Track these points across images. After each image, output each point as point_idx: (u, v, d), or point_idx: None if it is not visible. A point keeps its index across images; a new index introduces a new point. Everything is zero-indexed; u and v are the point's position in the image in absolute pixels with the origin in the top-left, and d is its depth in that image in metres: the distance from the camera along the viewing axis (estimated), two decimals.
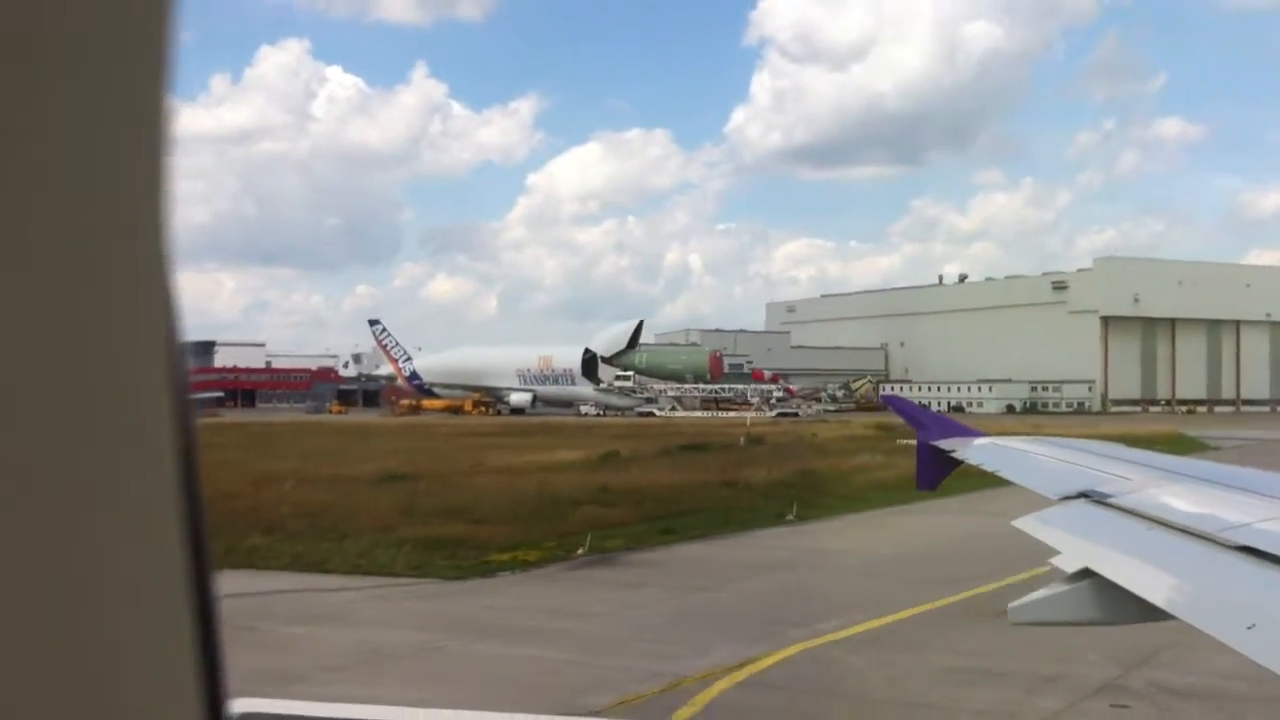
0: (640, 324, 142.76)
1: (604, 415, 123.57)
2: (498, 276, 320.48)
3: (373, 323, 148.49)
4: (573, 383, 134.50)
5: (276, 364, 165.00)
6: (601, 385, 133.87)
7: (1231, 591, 4.47)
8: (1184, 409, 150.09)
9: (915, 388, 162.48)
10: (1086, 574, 5.09)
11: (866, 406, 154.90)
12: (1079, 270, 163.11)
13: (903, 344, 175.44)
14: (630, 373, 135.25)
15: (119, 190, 0.95)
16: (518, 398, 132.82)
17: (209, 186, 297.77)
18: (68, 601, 0.89)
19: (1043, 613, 5.33)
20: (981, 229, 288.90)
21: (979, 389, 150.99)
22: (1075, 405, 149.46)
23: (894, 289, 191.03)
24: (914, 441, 45.54)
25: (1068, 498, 6.62)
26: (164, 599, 0.97)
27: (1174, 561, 4.98)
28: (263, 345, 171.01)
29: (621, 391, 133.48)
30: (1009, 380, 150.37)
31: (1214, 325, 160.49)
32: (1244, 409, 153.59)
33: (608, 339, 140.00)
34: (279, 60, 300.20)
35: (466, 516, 28.05)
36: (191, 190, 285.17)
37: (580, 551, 24.34)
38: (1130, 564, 5.14)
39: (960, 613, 18.30)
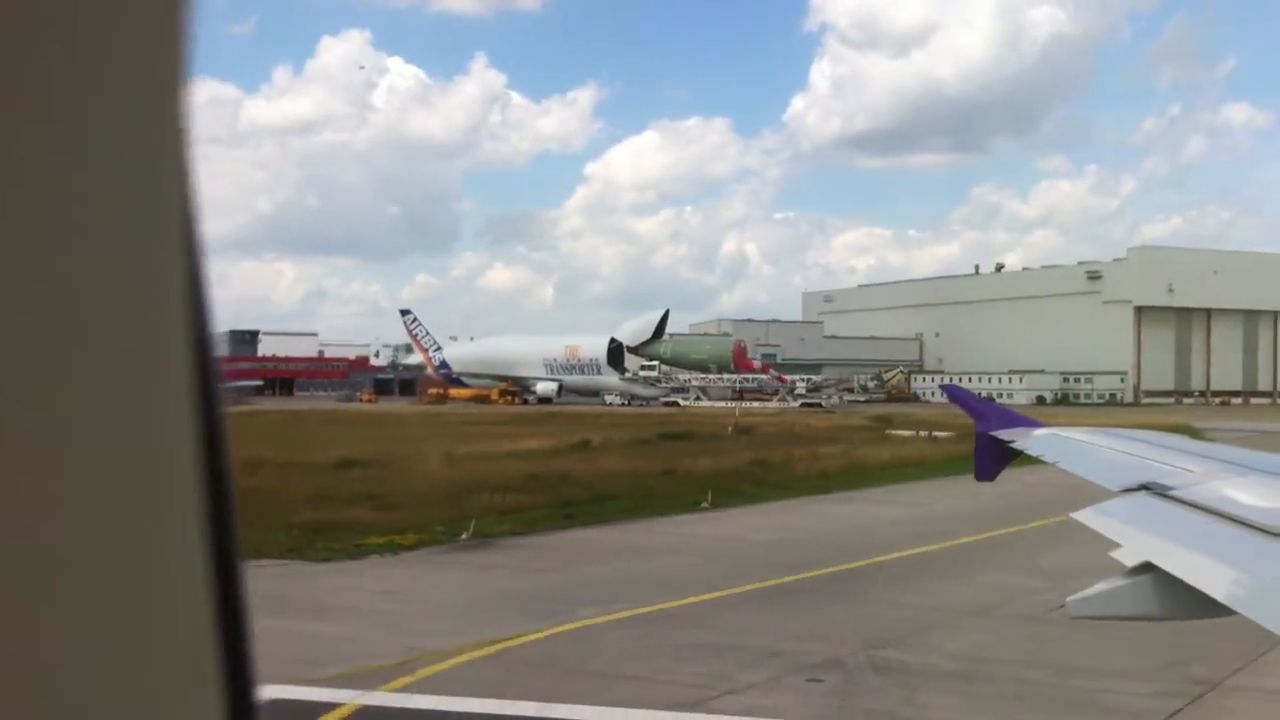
0: (666, 314, 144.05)
1: (629, 405, 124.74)
2: (555, 266, 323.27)
3: (404, 313, 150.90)
4: (599, 372, 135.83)
5: (330, 353, 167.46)
6: (627, 375, 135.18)
7: None
8: (1218, 400, 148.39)
9: (947, 378, 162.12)
10: (1148, 568, 5.01)
11: (898, 397, 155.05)
12: (1115, 260, 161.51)
13: (938, 334, 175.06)
14: (655, 362, 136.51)
15: (141, 179, 0.95)
16: (544, 387, 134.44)
17: (270, 177, 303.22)
18: (97, 592, 0.90)
19: (1102, 607, 5.20)
20: (1044, 216, 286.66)
21: (1010, 380, 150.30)
22: (1107, 396, 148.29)
23: (930, 279, 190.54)
24: (905, 433, 47.39)
25: (1128, 490, 6.53)
26: (190, 588, 0.98)
27: (1236, 556, 4.88)
28: (315, 335, 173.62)
29: (646, 381, 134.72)
30: (1040, 371, 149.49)
31: (1250, 315, 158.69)
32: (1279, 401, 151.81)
33: (633, 329, 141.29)
34: (340, 51, 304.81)
35: (379, 501, 29.21)
36: (253, 180, 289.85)
37: (464, 536, 25.36)
38: (1192, 558, 5.02)
39: (760, 596, 19.20)
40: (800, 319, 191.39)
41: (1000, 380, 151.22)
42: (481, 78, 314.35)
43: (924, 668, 14.52)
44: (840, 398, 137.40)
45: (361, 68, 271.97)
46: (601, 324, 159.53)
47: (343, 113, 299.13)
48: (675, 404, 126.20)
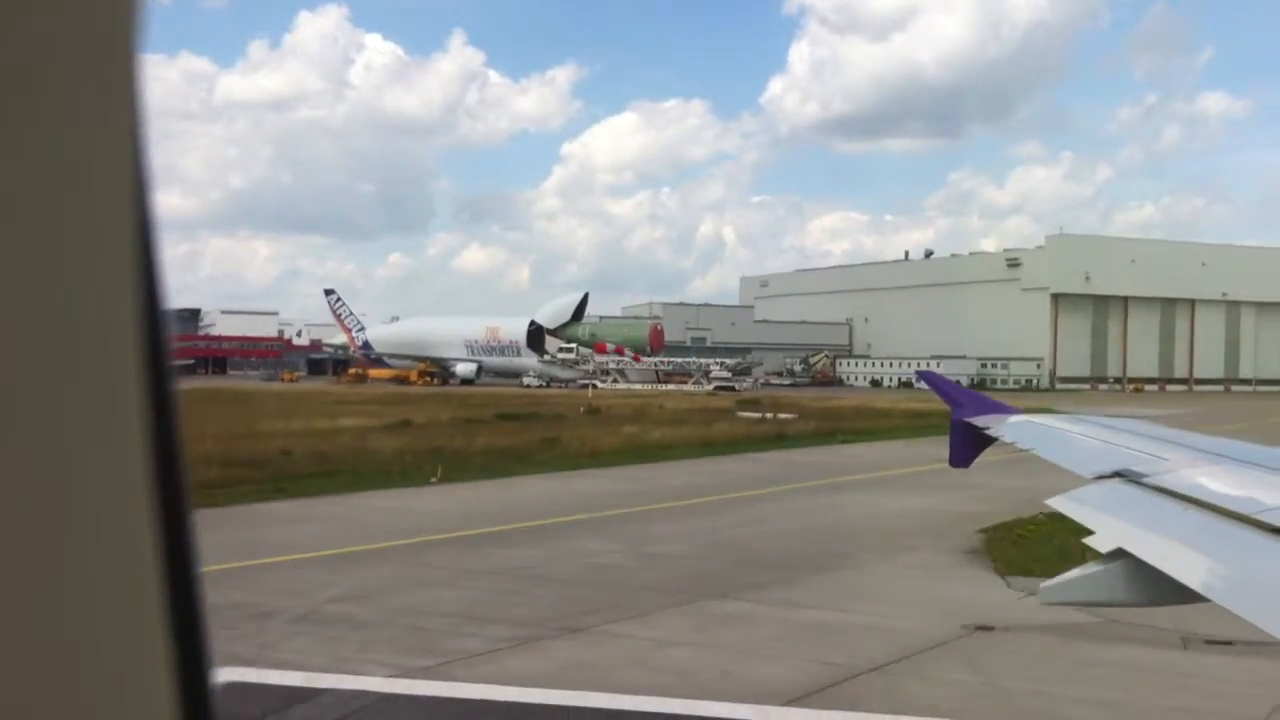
0: (585, 296, 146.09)
1: (547, 387, 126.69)
2: (530, 247, 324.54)
3: (328, 292, 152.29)
4: (518, 354, 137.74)
5: (289, 333, 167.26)
6: (545, 357, 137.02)
7: (1268, 574, 4.41)
8: (1132, 387, 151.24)
9: (872, 363, 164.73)
10: (1120, 554, 5.00)
11: (822, 381, 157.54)
12: (1035, 248, 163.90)
13: (867, 320, 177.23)
14: (573, 345, 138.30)
15: (89, 159, 0.92)
16: (463, 368, 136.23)
17: (244, 153, 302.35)
18: (48, 579, 0.90)
19: (1075, 593, 5.28)
20: (1019, 203, 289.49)
21: (928, 365, 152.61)
22: (1024, 382, 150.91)
23: (861, 265, 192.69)
24: (754, 415, 49.87)
25: (1102, 477, 6.55)
26: (141, 573, 0.97)
27: (1209, 543, 4.88)
28: (275, 314, 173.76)
29: (564, 363, 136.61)
30: (963, 357, 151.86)
31: (1168, 304, 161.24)
32: (1197, 388, 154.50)
33: (552, 311, 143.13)
34: (317, 26, 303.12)
35: None
36: (227, 157, 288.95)
37: None
38: (1164, 545, 5.05)
39: (328, 561, 20.98)
40: (738, 303, 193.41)
41: (920, 365, 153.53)
42: (460, 55, 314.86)
43: (350, 618, 16.41)
44: (756, 381, 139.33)
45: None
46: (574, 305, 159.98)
47: (319, 89, 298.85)
48: (593, 386, 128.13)
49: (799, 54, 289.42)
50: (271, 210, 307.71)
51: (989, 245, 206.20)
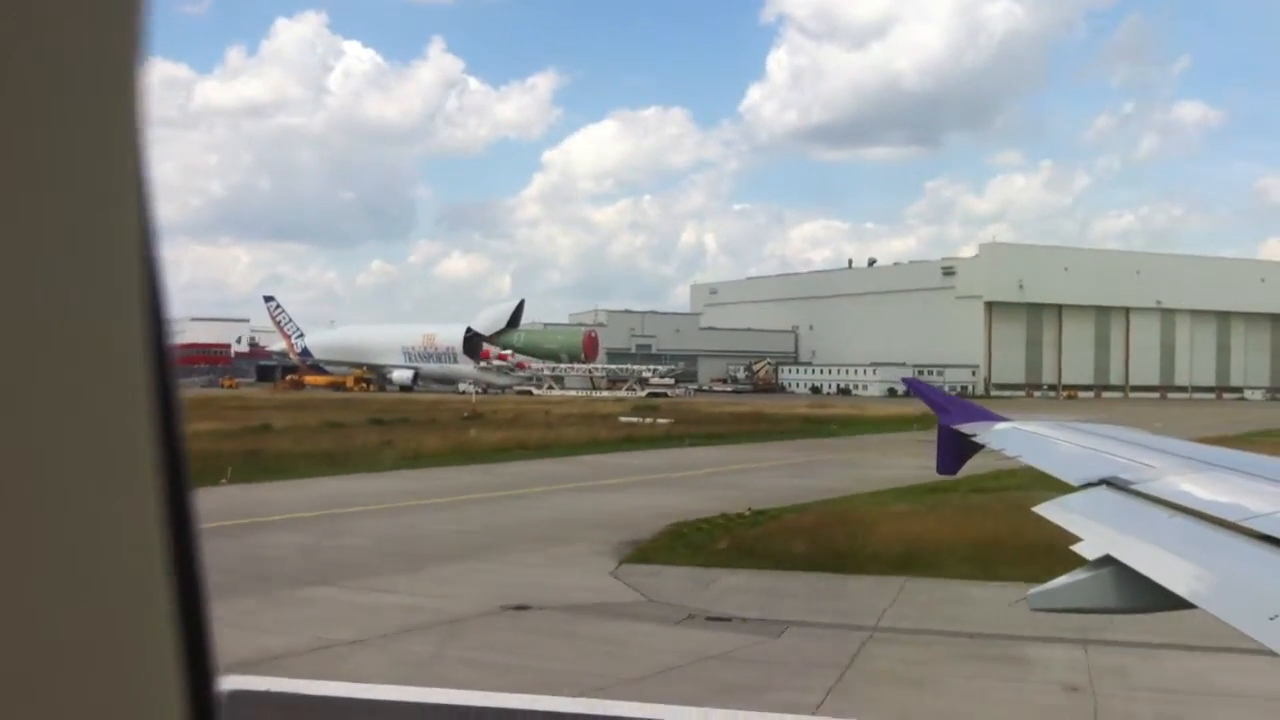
0: (521, 303, 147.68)
1: (484, 393, 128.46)
2: (512, 254, 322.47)
3: (267, 299, 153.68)
4: (455, 361, 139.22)
5: (263, 339, 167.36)
6: (482, 364, 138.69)
7: (1254, 581, 4.43)
8: (1066, 394, 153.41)
9: (812, 370, 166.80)
10: (1108, 561, 5.05)
11: (764, 388, 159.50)
12: (971, 257, 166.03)
13: (811, 327, 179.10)
14: (510, 351, 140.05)
15: (92, 167, 0.92)
16: (399, 375, 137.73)
17: (224, 160, 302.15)
18: (52, 583, 0.89)
19: (1063, 599, 5.29)
20: (998, 211, 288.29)
21: (864, 372, 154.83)
22: (959, 389, 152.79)
23: (807, 273, 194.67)
24: (635, 419, 51.97)
25: (1090, 484, 6.60)
26: (148, 579, 0.97)
27: (1196, 550, 4.94)
28: (246, 321, 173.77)
29: (501, 370, 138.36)
30: (896, 364, 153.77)
31: (1103, 311, 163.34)
32: (1132, 395, 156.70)
33: (489, 318, 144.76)
34: (295, 33, 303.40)
35: None
36: (206, 164, 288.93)
37: None
38: (1152, 552, 5.11)
39: None
40: (688, 310, 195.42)
41: (857, 372, 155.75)
42: (439, 63, 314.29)
43: None
44: (690, 388, 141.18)
45: None
46: (556, 313, 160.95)
47: (297, 96, 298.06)
48: (529, 392, 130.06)
49: (777, 62, 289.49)
50: (252, 217, 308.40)
51: (968, 253, 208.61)
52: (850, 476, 39.45)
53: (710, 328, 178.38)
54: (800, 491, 34.24)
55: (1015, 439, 9.78)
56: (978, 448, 10.35)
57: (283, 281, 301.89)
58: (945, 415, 11.49)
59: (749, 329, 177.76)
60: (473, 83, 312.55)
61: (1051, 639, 16.28)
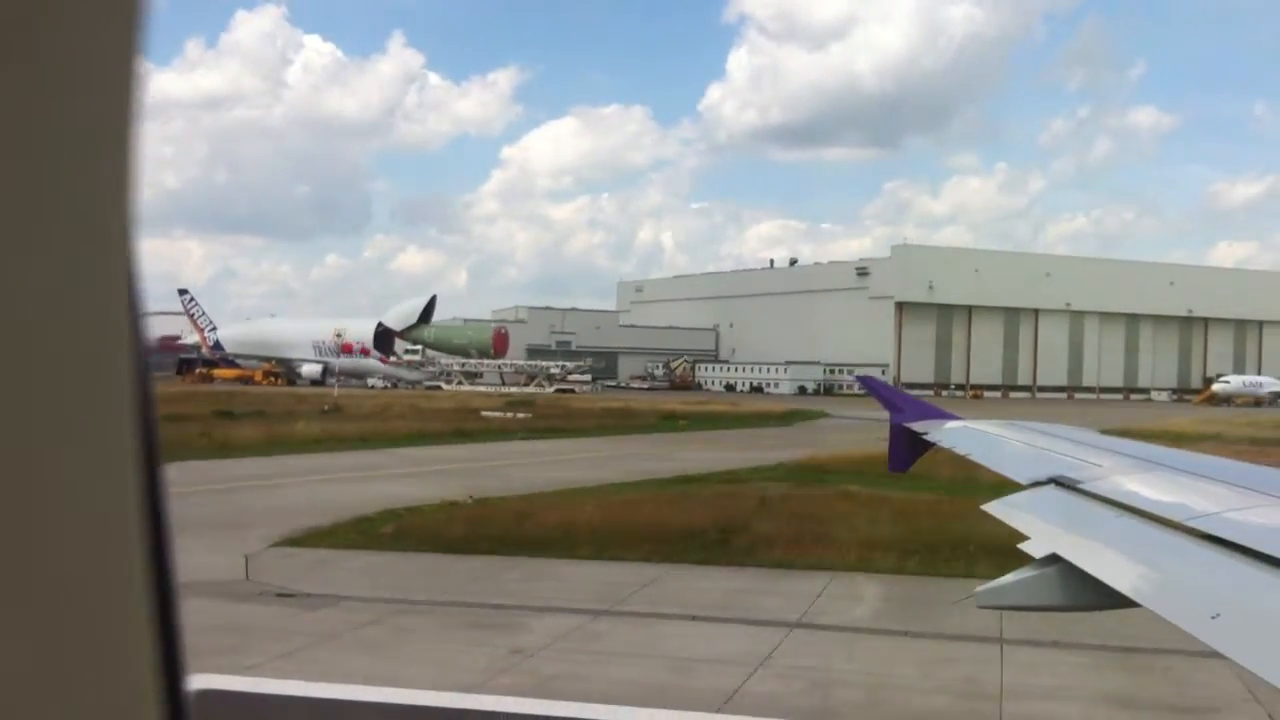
0: (433, 299, 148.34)
1: (395, 388, 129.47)
2: (469, 250, 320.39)
3: (181, 292, 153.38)
4: (366, 356, 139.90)
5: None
6: (392, 359, 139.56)
7: (1198, 581, 4.48)
8: (972, 394, 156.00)
9: (727, 368, 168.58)
10: (1055, 559, 5.11)
11: (681, 385, 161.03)
12: (883, 258, 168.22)
13: (732, 325, 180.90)
14: (419, 347, 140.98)
15: (86, 161, 0.92)
16: (309, 369, 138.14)
17: (179, 152, 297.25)
18: (21, 583, 0.88)
19: (1009, 597, 5.34)
20: (954, 213, 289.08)
21: (777, 370, 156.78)
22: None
23: (728, 272, 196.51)
24: (496, 413, 53.02)
25: (1038, 483, 6.67)
26: (121, 577, 0.96)
27: (1141, 549, 5.01)
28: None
29: (411, 365, 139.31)
30: (809, 363, 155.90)
31: (1012, 313, 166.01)
32: (1040, 395, 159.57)
33: (400, 313, 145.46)
34: (255, 26, 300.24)
35: None
36: (161, 155, 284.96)
37: None
38: (1097, 551, 5.16)
39: None
40: (614, 307, 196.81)
41: (771, 371, 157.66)
42: (400, 57, 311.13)
43: None
44: (597, 385, 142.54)
45: None
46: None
47: (256, 89, 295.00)
48: (438, 387, 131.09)
49: (738, 61, 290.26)
50: (206, 210, 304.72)
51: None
52: (626, 469, 40.88)
53: (632, 325, 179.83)
54: (554, 482, 35.64)
55: (965, 437, 9.94)
56: (929, 445, 10.47)
57: (236, 275, 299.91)
58: (898, 413, 11.65)
59: (671, 327, 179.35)
60: (433, 78, 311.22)
61: (555, 609, 17.80)
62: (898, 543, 24.06)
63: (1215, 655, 3.54)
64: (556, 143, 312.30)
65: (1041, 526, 5.72)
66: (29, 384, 0.89)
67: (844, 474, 39.03)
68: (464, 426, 60.81)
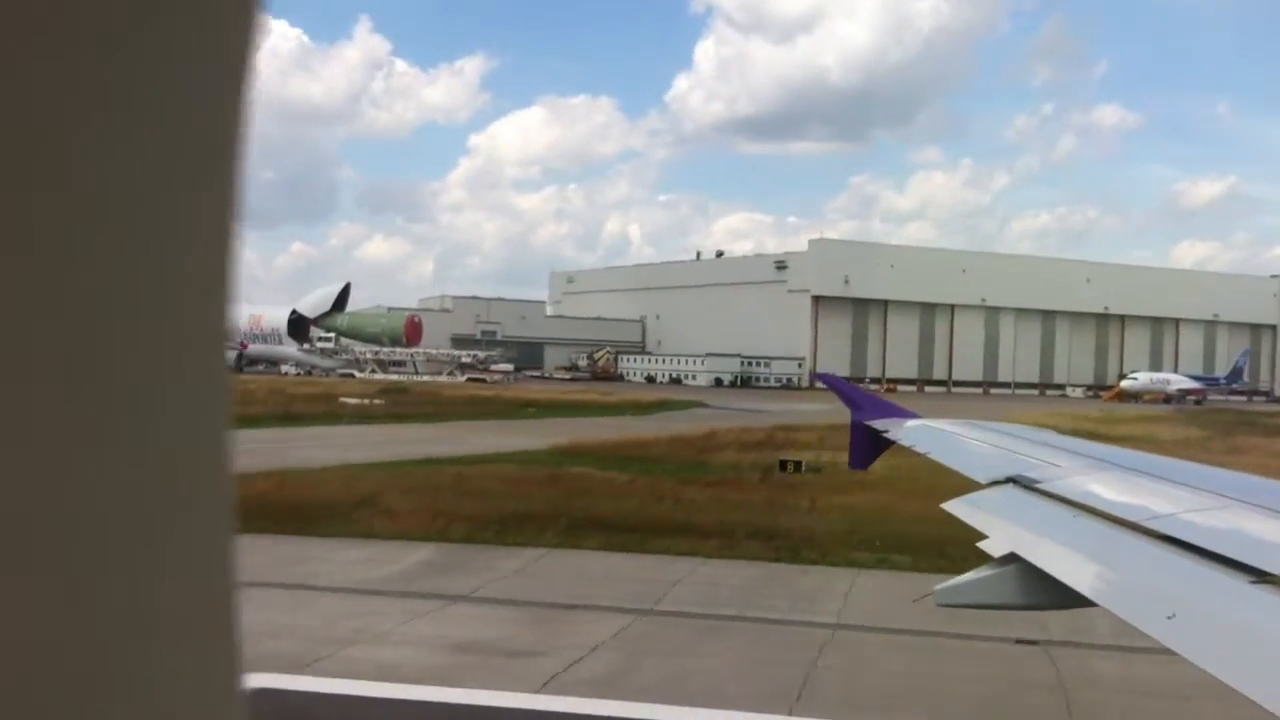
0: (347, 287, 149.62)
1: (309, 374, 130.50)
2: (435, 239, 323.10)
3: None
4: (280, 342, 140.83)
5: None
6: (305, 346, 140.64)
7: (1154, 581, 4.50)
8: (886, 387, 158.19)
9: (649, 359, 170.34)
10: (1013, 558, 5.12)
11: (603, 376, 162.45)
12: (801, 252, 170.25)
13: (658, 316, 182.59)
14: (332, 335, 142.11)
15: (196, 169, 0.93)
16: None
17: None
18: (107, 581, 0.88)
19: (968, 595, 5.34)
20: (919, 208, 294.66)
21: (694, 362, 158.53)
22: (785, 380, 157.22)
23: (655, 264, 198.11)
24: (354, 400, 54.32)
25: (996, 482, 6.70)
26: (200, 577, 0.96)
27: (1099, 549, 5.02)
28: None
29: (325, 352, 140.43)
30: (727, 355, 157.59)
31: (928, 308, 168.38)
32: (956, 390, 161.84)
33: (314, 300, 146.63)
34: None
35: None
36: None
37: None
38: (1055, 550, 5.19)
39: None
40: (545, 298, 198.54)
41: (689, 362, 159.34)
42: (366, 43, 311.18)
43: None
44: (510, 375, 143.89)
45: None
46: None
47: None
48: (351, 375, 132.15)
49: (705, 53, 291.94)
50: None
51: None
52: (397, 452, 42.26)
53: (559, 316, 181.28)
54: (302, 460, 37.00)
55: (925, 435, 10.02)
56: (889, 443, 10.51)
57: None
58: (859, 411, 11.71)
59: (598, 318, 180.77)
60: (400, 65, 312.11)
61: None
62: (513, 517, 25.87)
63: None
64: (524, 132, 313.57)
65: (1000, 525, 5.83)
66: (123, 374, 0.87)
67: (602, 459, 40.92)
68: (299, 410, 62.16)
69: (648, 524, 25.88)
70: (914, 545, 24.03)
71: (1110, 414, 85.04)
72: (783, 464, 40.10)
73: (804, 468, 39.72)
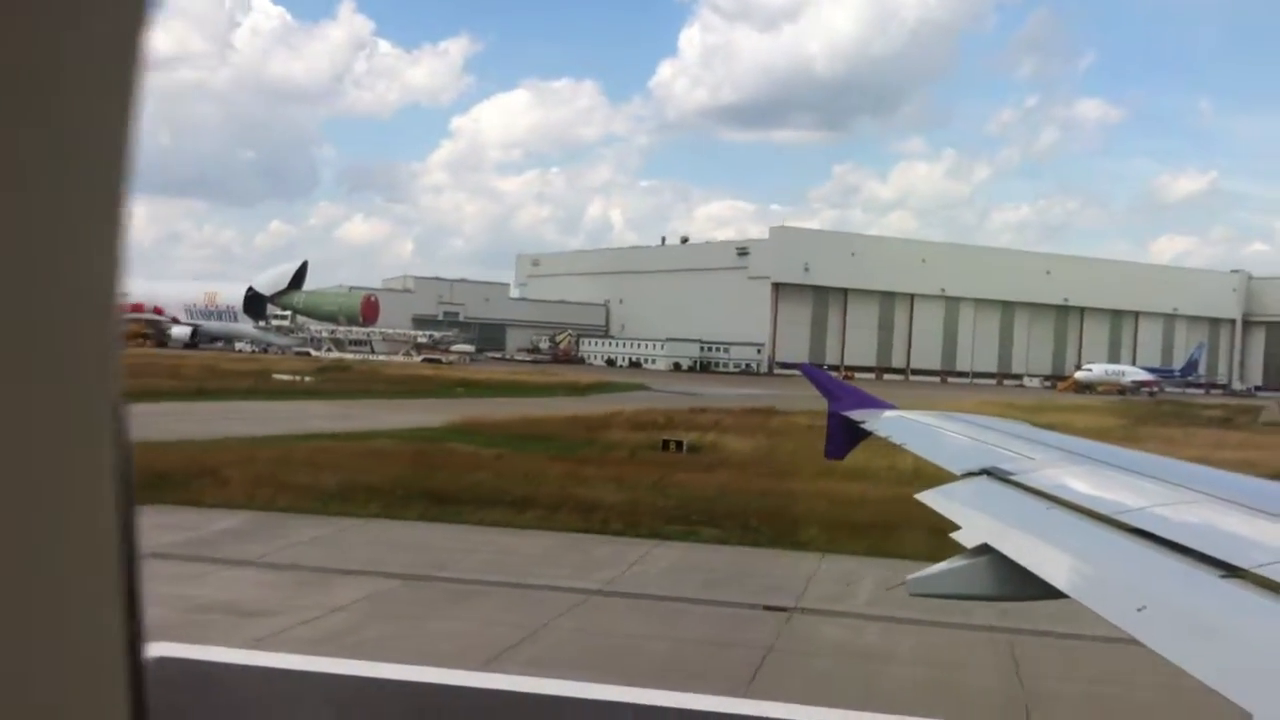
0: (304, 265, 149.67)
1: (265, 352, 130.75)
2: (415, 220, 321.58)
3: None
4: (235, 319, 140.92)
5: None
6: (261, 324, 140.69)
7: (1125, 574, 4.54)
8: (844, 375, 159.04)
9: (609, 343, 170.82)
10: (986, 549, 5.15)
11: (564, 359, 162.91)
12: (762, 239, 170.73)
13: (622, 301, 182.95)
14: (289, 312, 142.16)
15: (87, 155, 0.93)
16: (178, 331, 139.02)
17: None
18: (12, 554, 0.89)
19: (941, 585, 5.36)
20: (900, 198, 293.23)
21: (654, 346, 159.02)
22: (744, 366, 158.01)
23: (621, 248, 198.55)
24: (288, 376, 54.65)
25: (971, 474, 6.72)
26: (93, 545, 0.96)
27: (1071, 542, 5.05)
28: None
29: (281, 330, 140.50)
30: (687, 339, 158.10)
31: (887, 296, 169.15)
32: (914, 378, 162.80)
33: (271, 278, 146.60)
34: None
35: None
36: None
37: None
38: (1028, 542, 5.21)
39: None
40: (511, 280, 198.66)
41: (648, 346, 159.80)
42: (349, 23, 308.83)
43: None
44: (465, 356, 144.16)
45: None
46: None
47: (202, 50, 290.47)
48: (307, 353, 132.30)
49: (689, 40, 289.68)
50: (149, 172, 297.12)
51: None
52: (289, 428, 42.65)
53: (522, 298, 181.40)
54: (181, 434, 37.41)
55: (901, 427, 10.05)
56: (866, 434, 10.49)
57: (180, 239, 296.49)
58: (836, 402, 11.66)
59: (562, 301, 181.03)
60: (383, 45, 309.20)
61: None
62: (350, 488, 26.33)
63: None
64: (507, 115, 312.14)
65: (974, 517, 5.87)
66: (27, 379, 0.88)
67: (490, 436, 41.38)
68: (216, 386, 62.43)
69: (481, 497, 26.38)
70: (730, 521, 24.62)
71: (1044, 403, 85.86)
72: (665, 443, 40.96)
73: (685, 447, 40.45)
